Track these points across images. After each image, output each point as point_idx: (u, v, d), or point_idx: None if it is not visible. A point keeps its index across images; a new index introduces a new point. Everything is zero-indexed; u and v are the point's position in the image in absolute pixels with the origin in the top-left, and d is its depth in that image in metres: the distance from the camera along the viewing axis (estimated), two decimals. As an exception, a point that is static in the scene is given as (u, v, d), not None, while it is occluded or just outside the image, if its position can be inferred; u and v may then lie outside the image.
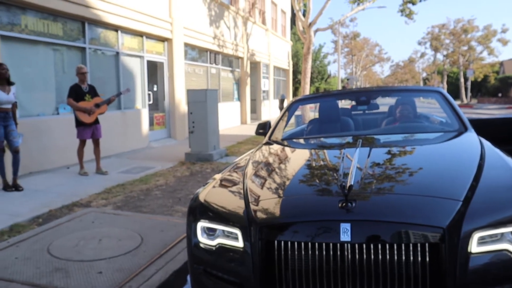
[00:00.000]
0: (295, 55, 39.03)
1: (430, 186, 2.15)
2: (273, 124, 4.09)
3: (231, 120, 16.72)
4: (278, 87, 25.28)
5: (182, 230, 4.31)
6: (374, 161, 2.55)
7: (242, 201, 2.28)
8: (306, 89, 18.01)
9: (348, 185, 1.97)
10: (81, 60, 8.48)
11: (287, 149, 3.38)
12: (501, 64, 60.87)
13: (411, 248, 1.85)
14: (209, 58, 14.84)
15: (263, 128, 4.24)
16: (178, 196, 5.75)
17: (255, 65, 20.25)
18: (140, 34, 10.38)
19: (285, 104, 18.20)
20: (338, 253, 1.89)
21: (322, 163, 2.78)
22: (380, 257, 1.86)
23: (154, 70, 11.45)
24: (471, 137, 3.20)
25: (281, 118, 4.05)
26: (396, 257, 1.86)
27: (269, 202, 2.19)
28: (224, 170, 3.06)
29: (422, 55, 75.45)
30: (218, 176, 2.83)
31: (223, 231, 2.22)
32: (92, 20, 8.60)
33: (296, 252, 1.95)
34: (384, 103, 5.00)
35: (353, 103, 4.22)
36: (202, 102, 8.40)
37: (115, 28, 9.44)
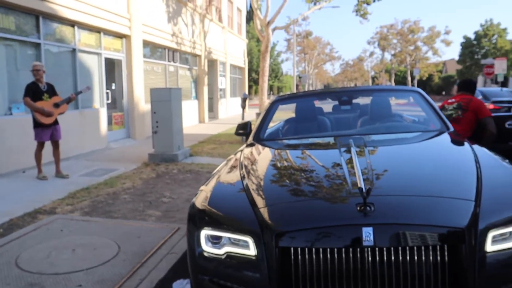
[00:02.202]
0: (249, 53, 39.07)
1: (441, 186, 2.16)
2: (256, 124, 4.00)
3: (189, 119, 16.42)
4: (234, 85, 25.16)
5: (159, 235, 4.13)
6: (375, 162, 2.52)
7: (248, 206, 2.18)
8: (264, 87, 17.99)
9: (365, 187, 1.93)
10: (35, 56, 7.98)
11: (280, 151, 3.31)
12: (444, 63, 63.93)
13: (430, 249, 1.85)
14: (167, 55, 14.49)
15: (244, 129, 4.13)
16: (148, 200, 5.53)
17: (212, 63, 20.02)
18: (97, 30, 9.93)
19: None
20: (361, 258, 1.85)
21: (322, 164, 2.72)
22: (401, 260, 1.84)
23: (112, 67, 11.01)
24: (456, 136, 3.27)
25: (263, 118, 3.97)
26: (416, 260, 1.84)
27: (281, 207, 2.10)
28: (213, 175, 2.94)
29: (371, 54, 77.75)
30: (213, 181, 2.70)
31: (230, 238, 2.11)
32: (47, 14, 8.11)
33: (315, 259, 1.89)
34: (359, 102, 5.03)
35: (335, 103, 4.20)
36: (166, 101, 8.15)
37: (72, 23, 8.96)
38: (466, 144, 2.99)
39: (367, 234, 1.85)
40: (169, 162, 8.20)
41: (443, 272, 1.84)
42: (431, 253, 1.85)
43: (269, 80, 48.16)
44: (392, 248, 1.84)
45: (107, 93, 10.48)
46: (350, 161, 2.49)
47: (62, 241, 3.96)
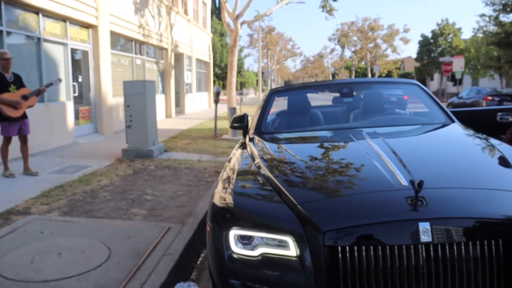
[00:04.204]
0: (212, 48, 38.61)
1: (484, 178, 2.08)
2: (255, 117, 3.82)
3: (157, 114, 15.94)
4: (200, 80, 24.74)
5: (150, 236, 3.87)
6: (403, 154, 2.40)
7: (281, 204, 2.00)
8: (233, 82, 17.80)
9: (416, 181, 1.80)
10: (-3, 45, 7.42)
11: (295, 145, 3.16)
12: (402, 61, 65.75)
13: (486, 244, 1.75)
14: (134, 48, 13.98)
15: (240, 122, 3.91)
16: (130, 198, 5.22)
17: (178, 57, 19.55)
18: (63, 18, 9.37)
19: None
20: (416, 255, 1.72)
21: (347, 158, 2.57)
22: (456, 255, 1.73)
23: (78, 59, 10.45)
24: (466, 128, 3.22)
25: (262, 111, 3.79)
26: (472, 254, 1.74)
27: (325, 204, 1.93)
28: (226, 172, 2.74)
29: (332, 50, 78.81)
30: (228, 179, 2.48)
31: (263, 238, 1.93)
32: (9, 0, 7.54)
33: (368, 257, 1.74)
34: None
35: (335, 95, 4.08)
36: (141, 95, 7.79)
37: (36, 11, 8.39)
38: (481, 135, 2.95)
39: (425, 230, 1.73)
40: (144, 158, 7.85)
41: (499, 266, 1.75)
42: (487, 248, 1.74)
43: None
44: (449, 244, 1.73)
45: (73, 86, 9.95)
46: (376, 154, 2.36)
47: (45, 244, 3.63)
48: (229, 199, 2.15)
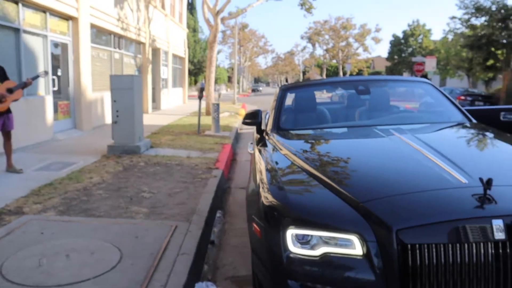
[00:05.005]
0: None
1: None
2: (272, 114, 3.72)
3: (134, 109, 15.57)
4: (175, 75, 24.35)
5: (158, 235, 3.72)
6: (443, 150, 2.37)
7: (341, 201, 1.92)
8: (212, 78, 17.61)
9: (484, 178, 1.76)
10: (-25, 35, 7.00)
11: (330, 140, 3.12)
12: (372, 60, 66.92)
13: None
14: (113, 42, 13.57)
15: (253, 118, 3.79)
16: (127, 195, 5.02)
17: (155, 52, 19.15)
18: (43, 9, 8.96)
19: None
20: (488, 252, 1.69)
21: (391, 153, 2.51)
22: None
23: (57, 52, 10.04)
24: (487, 127, 3.23)
25: (279, 107, 3.70)
26: None
27: (390, 201, 1.86)
28: (256, 168, 2.64)
29: (304, 48, 79.25)
30: (270, 178, 2.37)
31: (322, 237, 1.85)
32: (-13, -12, 7.15)
33: (441, 256, 1.69)
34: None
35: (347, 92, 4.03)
36: (128, 89, 7.54)
37: (15, 0, 7.99)
38: (500, 132, 2.98)
39: (498, 227, 1.70)
40: (131, 154, 7.61)
41: None
42: None
43: (204, 71, 47.44)
44: None
45: (53, 79, 9.55)
46: (415, 151, 2.33)
47: (48, 245, 3.42)
48: (282, 197, 2.05)
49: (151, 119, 15.10)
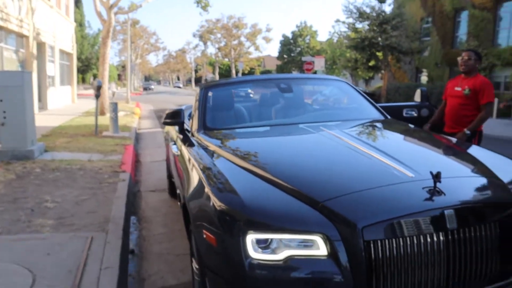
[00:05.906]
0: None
1: (477, 167, 2.29)
2: (195, 113, 3.59)
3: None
4: (62, 72, 22.56)
5: (73, 249, 3.41)
6: (375, 144, 2.52)
7: (298, 201, 1.93)
8: (105, 75, 16.65)
9: (433, 172, 1.93)
10: None
11: (268, 138, 3.16)
12: (263, 59, 69.17)
13: (492, 224, 1.93)
14: (-10, 33, 12.13)
15: (174, 117, 3.60)
16: (27, 207, 4.50)
17: (40, 46, 17.50)
18: None
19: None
20: (446, 241, 1.83)
21: (330, 150, 2.57)
22: (473, 237, 1.88)
23: None
24: (402, 122, 3.49)
25: (203, 106, 3.58)
26: (484, 234, 1.90)
27: (350, 199, 1.89)
28: (191, 170, 2.52)
29: (196, 46, 78.82)
30: (218, 182, 2.26)
31: (282, 240, 1.82)
32: None
33: (405, 248, 1.79)
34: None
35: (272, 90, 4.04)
36: (18, 87, 6.76)
37: None
38: (416, 127, 3.27)
39: (450, 217, 1.84)
40: (24, 159, 6.85)
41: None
42: (493, 227, 1.92)
43: (93, 68, 44.75)
44: (469, 228, 1.87)
45: None
46: (352, 147, 2.44)
47: None
48: (236, 201, 1.96)
49: (39, 120, 13.65)
